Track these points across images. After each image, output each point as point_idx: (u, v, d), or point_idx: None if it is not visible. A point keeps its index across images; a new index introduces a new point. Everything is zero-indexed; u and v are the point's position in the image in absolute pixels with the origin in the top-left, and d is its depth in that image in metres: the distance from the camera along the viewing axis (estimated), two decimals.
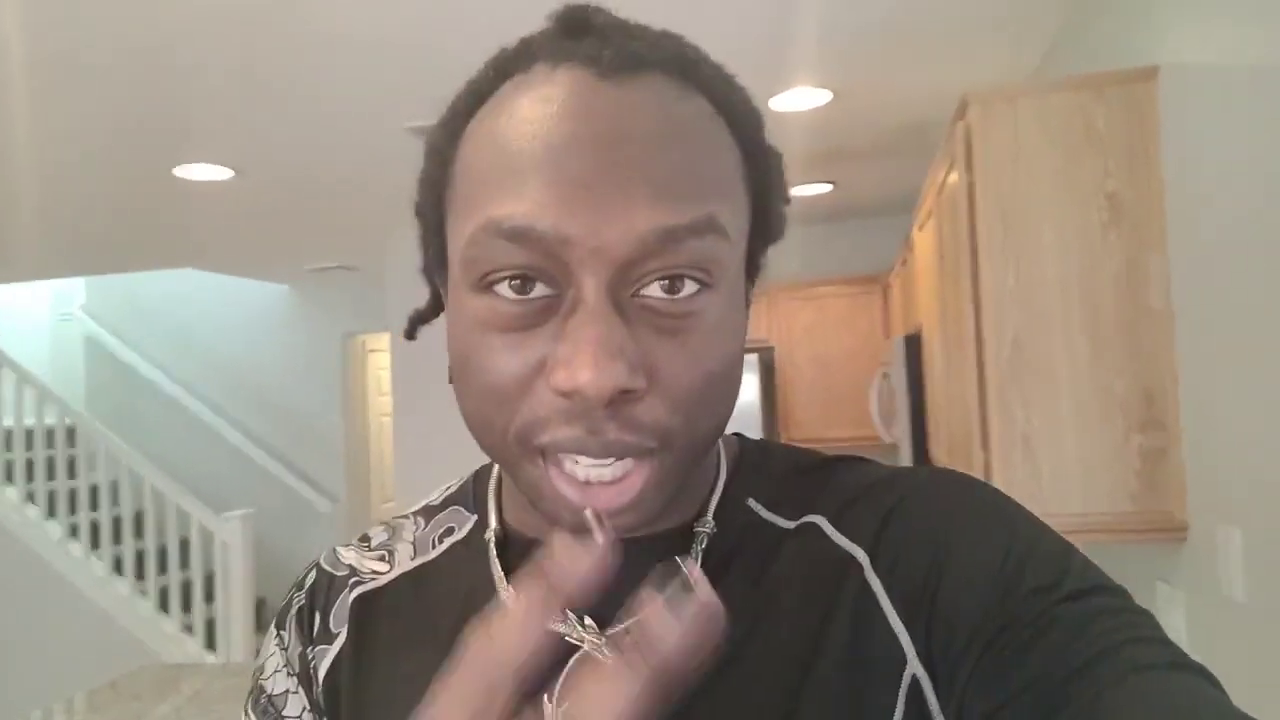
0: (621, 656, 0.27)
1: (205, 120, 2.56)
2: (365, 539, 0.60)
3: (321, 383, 5.67)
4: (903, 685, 0.44)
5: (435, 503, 0.60)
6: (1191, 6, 1.44)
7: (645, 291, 0.40)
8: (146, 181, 3.14)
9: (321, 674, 0.55)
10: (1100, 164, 1.62)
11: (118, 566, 4.49)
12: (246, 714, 0.57)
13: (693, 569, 0.34)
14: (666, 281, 0.40)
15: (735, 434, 0.56)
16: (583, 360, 0.38)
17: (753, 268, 0.49)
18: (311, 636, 0.56)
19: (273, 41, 2.07)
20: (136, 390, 5.78)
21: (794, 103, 2.69)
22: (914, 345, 2.73)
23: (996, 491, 0.49)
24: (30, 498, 4.64)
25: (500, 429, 0.42)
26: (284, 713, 0.56)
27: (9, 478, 4.69)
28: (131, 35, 1.98)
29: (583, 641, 0.46)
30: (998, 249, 1.66)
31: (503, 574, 0.51)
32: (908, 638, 0.44)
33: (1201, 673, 0.38)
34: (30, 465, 4.69)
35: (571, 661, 0.46)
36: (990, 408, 1.66)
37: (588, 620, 0.47)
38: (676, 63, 0.43)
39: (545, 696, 0.45)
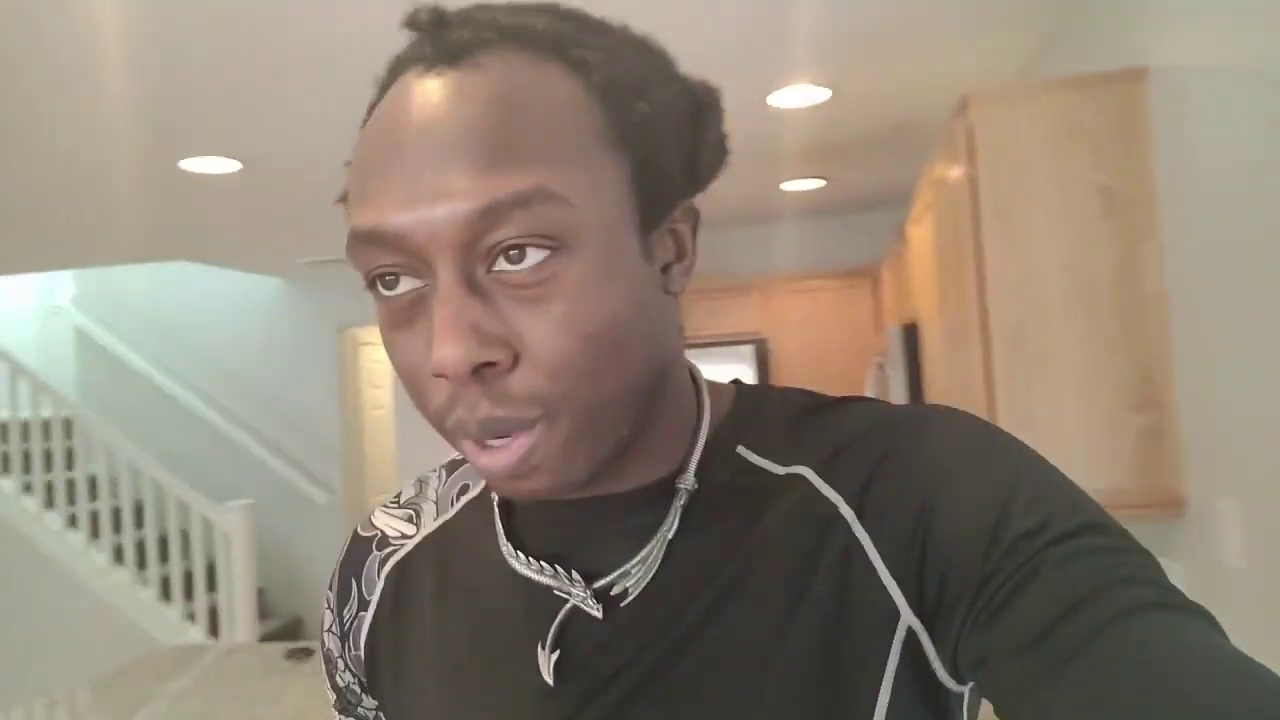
0: None
1: (213, 113, 2.60)
2: (397, 496, 0.63)
3: (315, 376, 5.70)
4: (897, 637, 0.44)
5: (459, 457, 0.61)
6: (1178, 10, 1.54)
7: (497, 266, 0.41)
8: (152, 174, 3.17)
9: (363, 640, 0.59)
10: (1092, 159, 1.72)
11: (118, 556, 4.51)
12: (322, 649, 0.64)
13: None
14: (514, 252, 0.41)
15: (734, 380, 0.57)
16: (437, 341, 0.40)
17: (655, 217, 0.46)
18: (350, 602, 0.60)
19: (283, 31, 2.12)
20: (128, 383, 5.78)
21: (792, 100, 2.77)
22: (911, 335, 2.83)
23: (987, 428, 0.48)
24: (28, 489, 4.65)
25: (429, 417, 0.45)
26: (336, 672, 0.62)
27: (5, 469, 4.70)
28: (142, 26, 2.03)
29: (570, 595, 0.49)
30: (999, 241, 1.75)
31: (504, 533, 0.53)
32: (898, 590, 0.44)
33: (1194, 612, 0.38)
34: (27, 457, 4.70)
35: (562, 613, 0.49)
36: (996, 392, 1.76)
37: (575, 574, 0.49)
38: (520, 34, 0.43)
39: (539, 645, 0.49)
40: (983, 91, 1.80)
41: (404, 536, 0.59)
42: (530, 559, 0.50)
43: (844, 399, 0.53)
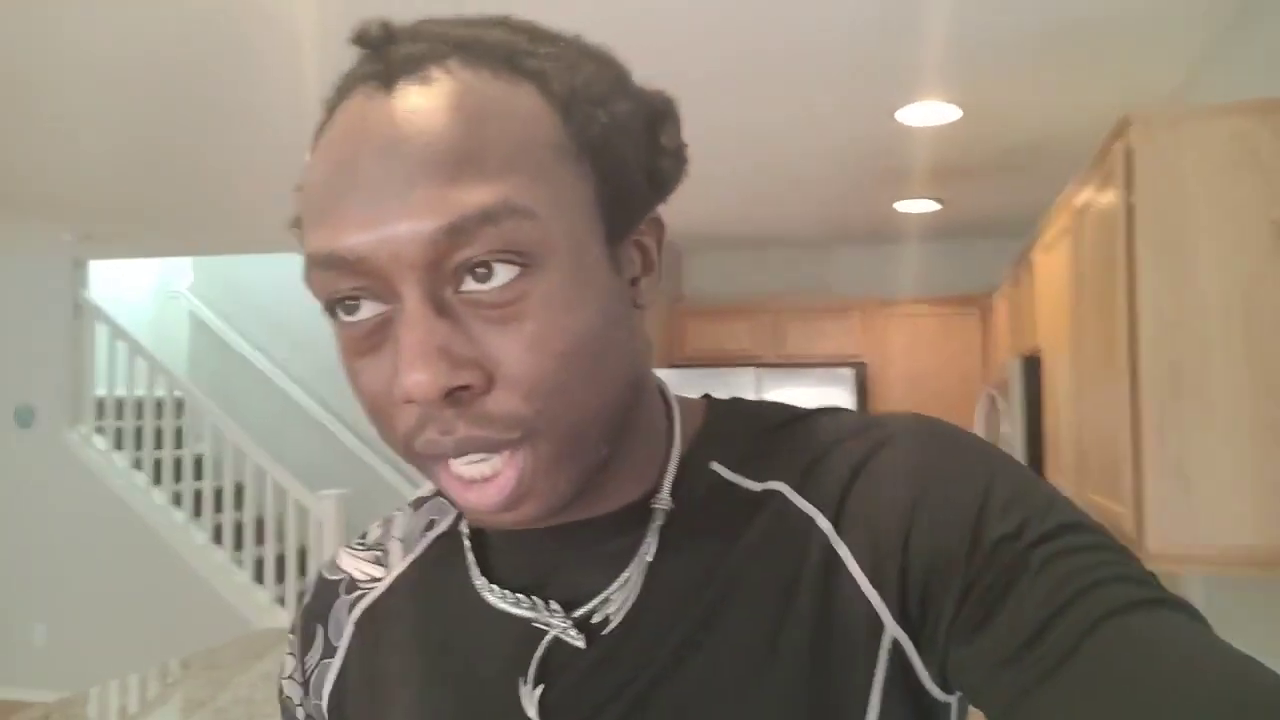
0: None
1: None
2: (363, 536, 0.61)
3: None
4: (883, 649, 0.44)
5: (426, 494, 0.60)
6: None
7: (465, 287, 0.40)
8: (279, 167, 3.27)
9: (327, 689, 0.56)
10: (1265, 190, 1.58)
11: (217, 536, 4.67)
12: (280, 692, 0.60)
13: None
14: (482, 270, 0.39)
15: (705, 395, 0.55)
16: (405, 366, 0.38)
17: (621, 229, 0.45)
18: (312, 648, 0.57)
19: None
20: (235, 368, 5.99)
21: (921, 117, 2.68)
22: (1032, 367, 2.69)
23: (962, 436, 0.48)
24: (138, 465, 4.86)
25: (393, 443, 0.43)
26: (295, 716, 0.58)
27: (119, 444, 4.92)
28: (339, 21, 2.08)
29: (550, 626, 0.47)
30: (1156, 273, 1.63)
31: (476, 565, 0.51)
32: (880, 602, 0.44)
33: (1177, 606, 0.38)
34: (139, 434, 4.91)
35: (543, 645, 0.47)
36: (1143, 435, 1.63)
37: (553, 604, 0.47)
38: (470, 47, 0.42)
39: (520, 679, 0.47)
40: (1146, 113, 1.68)
41: (372, 580, 0.57)
42: (506, 592, 0.49)
43: (814, 411, 0.52)
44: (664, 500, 0.48)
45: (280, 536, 4.63)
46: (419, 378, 0.38)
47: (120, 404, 4.98)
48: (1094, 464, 2.00)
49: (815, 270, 4.82)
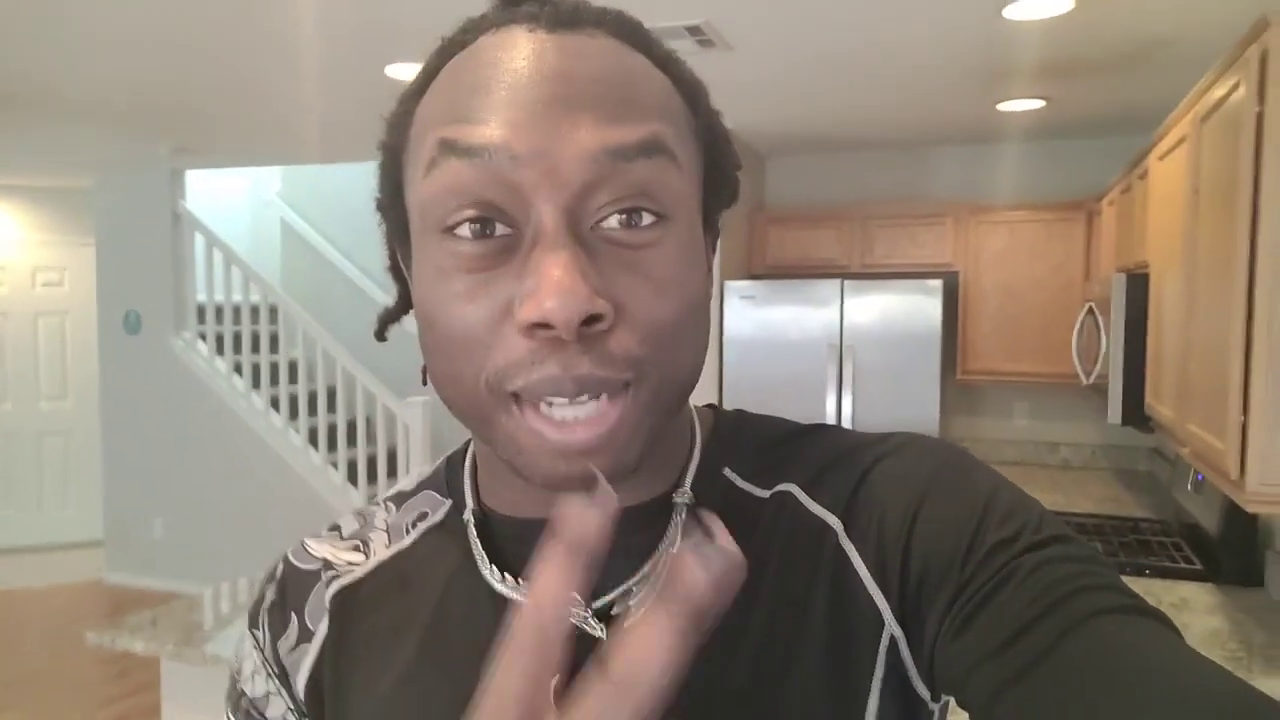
0: (660, 607, 0.28)
1: (422, 21, 2.60)
2: (336, 528, 0.59)
3: None
4: (882, 645, 0.45)
5: (407, 489, 0.59)
6: None
7: (604, 225, 0.41)
8: (359, 80, 3.25)
9: (304, 674, 0.55)
10: None
11: (313, 438, 4.89)
12: (228, 717, 0.57)
13: (711, 519, 0.35)
14: (624, 215, 0.41)
15: (709, 405, 0.57)
16: (547, 289, 0.38)
17: (710, 218, 0.49)
18: (285, 634, 0.56)
19: None
20: (326, 275, 6.15)
21: (1030, 10, 2.45)
22: (1138, 284, 2.52)
23: (964, 453, 0.50)
24: (238, 369, 5.09)
25: (471, 380, 0.42)
26: (266, 714, 0.56)
27: (219, 350, 5.15)
28: None
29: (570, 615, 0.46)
30: None
31: (484, 553, 0.51)
32: (882, 598, 0.45)
33: (1156, 616, 0.40)
34: (238, 339, 5.12)
35: None
36: (1255, 365, 1.51)
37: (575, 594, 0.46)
38: (616, 24, 0.45)
39: None
40: None
41: (351, 564, 0.56)
42: (520, 581, 0.49)
43: (818, 425, 0.55)
44: (686, 494, 0.50)
45: (371, 439, 4.82)
46: (560, 302, 0.37)
47: (220, 310, 5.18)
48: (1198, 393, 1.88)
49: (907, 175, 4.58)
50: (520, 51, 0.42)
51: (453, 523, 0.55)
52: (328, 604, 0.55)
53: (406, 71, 3.13)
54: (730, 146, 0.50)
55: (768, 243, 4.47)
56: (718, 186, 0.49)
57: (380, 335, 0.57)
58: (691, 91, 0.47)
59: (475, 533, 0.52)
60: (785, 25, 2.58)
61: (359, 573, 0.56)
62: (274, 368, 5.09)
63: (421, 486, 0.59)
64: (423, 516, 0.57)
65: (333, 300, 6.03)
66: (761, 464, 0.52)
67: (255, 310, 5.19)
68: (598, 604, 0.48)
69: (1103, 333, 2.75)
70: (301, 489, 4.81)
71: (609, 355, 0.40)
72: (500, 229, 0.41)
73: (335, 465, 4.86)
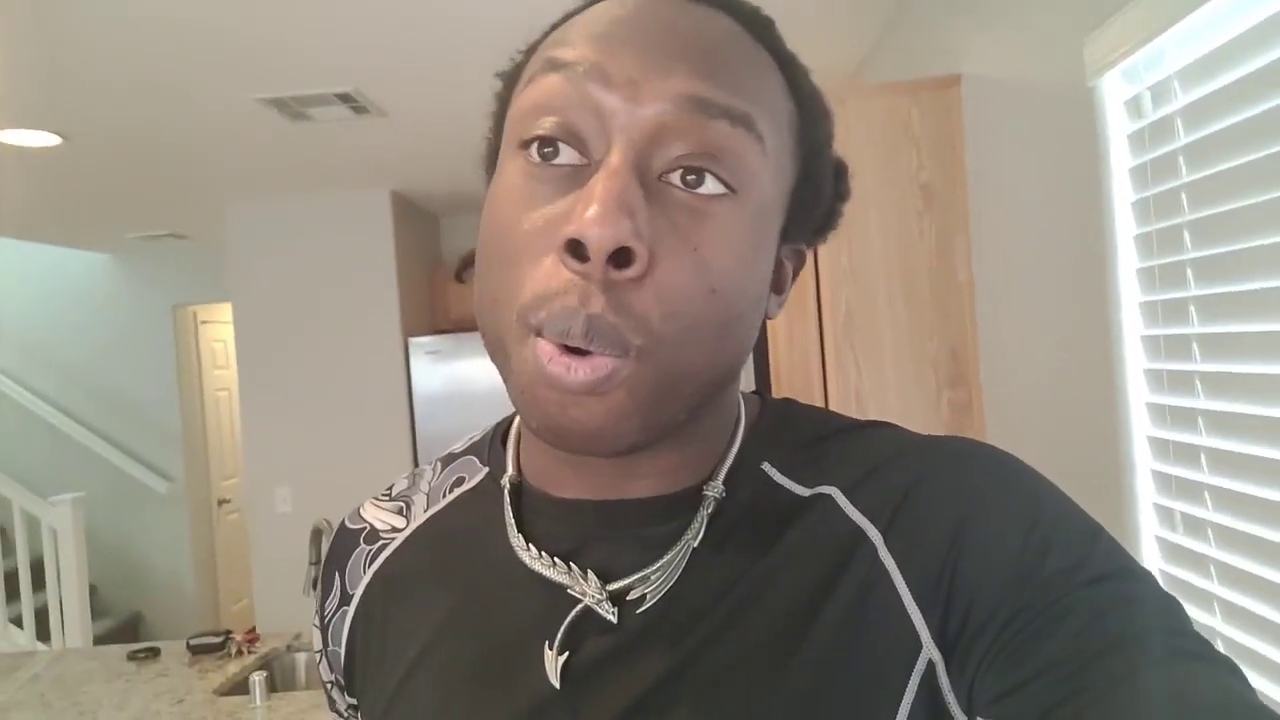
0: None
1: (30, 85, 2.42)
2: (389, 487, 0.61)
3: (149, 357, 5.36)
4: (916, 669, 0.42)
5: (457, 450, 0.60)
6: (986, 27, 1.71)
7: (670, 177, 0.40)
8: None
9: (344, 636, 0.56)
10: (915, 158, 1.88)
11: None
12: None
13: None
14: (692, 175, 0.40)
15: (757, 392, 0.55)
16: (594, 210, 0.37)
17: (791, 233, 0.48)
18: (331, 596, 0.58)
19: (113, 10, 2.00)
20: None
21: None
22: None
23: (1022, 467, 0.47)
24: None
25: (507, 307, 0.41)
26: (323, 675, 0.60)
27: None
28: None
29: (585, 595, 0.47)
30: (833, 232, 1.90)
31: (514, 522, 0.51)
32: (922, 620, 0.43)
33: (1224, 664, 0.37)
34: None
35: (573, 613, 0.47)
36: (829, 370, 1.91)
37: (591, 575, 0.47)
38: (743, 12, 0.46)
39: (546, 644, 0.47)
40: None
41: (394, 529, 0.57)
42: (542, 554, 0.48)
43: (870, 423, 0.52)
44: (716, 488, 0.48)
45: (8, 551, 4.19)
46: (600, 224, 0.37)
47: None
48: (797, 395, 2.30)
49: None
50: (642, 6, 0.43)
51: (486, 487, 0.55)
52: (365, 571, 0.56)
53: (20, 137, 2.86)
54: (831, 172, 0.49)
55: (449, 297, 4.58)
56: (808, 205, 0.47)
57: (460, 276, 0.57)
58: (808, 101, 0.46)
59: (509, 500, 0.52)
60: (427, 90, 2.73)
61: (398, 540, 0.56)
62: None
63: (469, 450, 0.59)
64: (460, 481, 0.57)
65: None
66: (805, 460, 0.49)
67: None
68: (613, 588, 0.46)
69: None
70: None
71: (627, 307, 0.39)
72: (570, 156, 0.41)
73: None
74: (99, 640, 4.40)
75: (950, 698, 0.42)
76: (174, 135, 3.00)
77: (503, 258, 0.42)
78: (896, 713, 0.42)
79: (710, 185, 0.40)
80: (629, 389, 0.40)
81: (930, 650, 0.42)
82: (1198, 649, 0.38)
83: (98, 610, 4.65)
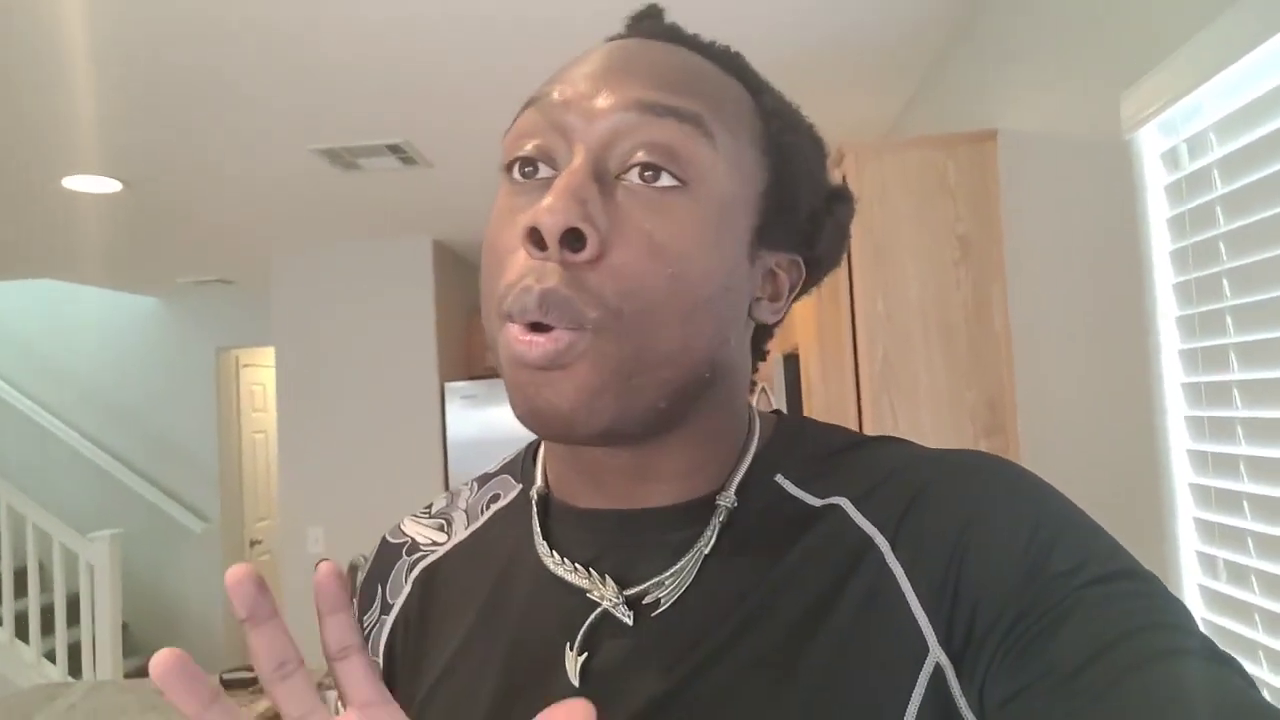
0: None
1: (95, 132, 2.54)
2: (428, 506, 0.64)
3: (191, 399, 5.48)
4: (923, 673, 0.43)
5: (492, 470, 0.63)
6: (1021, 83, 1.76)
7: (627, 176, 0.44)
8: (32, 191, 3.04)
9: (382, 644, 0.58)
10: (951, 209, 1.92)
11: None
12: None
13: None
14: (649, 173, 0.44)
15: (775, 410, 0.57)
16: (547, 200, 0.42)
17: (769, 239, 0.50)
18: (371, 609, 0.60)
19: (181, 57, 2.11)
20: None
21: None
22: (792, 363, 3.01)
23: (1025, 473, 0.48)
24: None
25: (493, 306, 0.45)
26: None
27: None
28: (26, 42, 1.99)
29: (603, 599, 0.49)
30: (870, 280, 1.93)
31: (540, 530, 0.53)
32: (929, 625, 0.43)
33: (1227, 662, 0.38)
34: None
35: (592, 616, 0.49)
36: (865, 415, 1.92)
37: (609, 580, 0.49)
38: (714, 51, 0.50)
39: (567, 645, 0.49)
40: (857, 143, 1.98)
41: (435, 544, 0.60)
42: (565, 560, 0.51)
43: (880, 437, 0.53)
44: (729, 497, 0.50)
45: (46, 585, 4.25)
46: (550, 211, 0.41)
47: None
48: None
49: None
50: (604, 48, 0.48)
51: (518, 503, 0.57)
52: (407, 581, 0.59)
53: (85, 183, 2.99)
54: (835, 200, 0.53)
55: (484, 344, 4.64)
56: (785, 210, 0.50)
57: None
58: (772, 114, 0.50)
59: (537, 511, 0.55)
60: (473, 142, 2.82)
61: (440, 552, 0.59)
62: None
63: (504, 470, 0.62)
64: (495, 498, 0.60)
65: None
66: (818, 471, 0.51)
67: None
68: (630, 592, 0.49)
69: (772, 404, 3.22)
70: None
71: (583, 282, 0.42)
72: (545, 171, 0.46)
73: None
74: (129, 677, 4.42)
75: (962, 703, 0.43)
76: (230, 183, 3.12)
77: (490, 265, 0.46)
78: (904, 714, 0.43)
79: (665, 179, 0.44)
80: (591, 362, 0.42)
81: (938, 653, 0.43)
82: (1201, 646, 0.38)
83: (128, 648, 4.68)
